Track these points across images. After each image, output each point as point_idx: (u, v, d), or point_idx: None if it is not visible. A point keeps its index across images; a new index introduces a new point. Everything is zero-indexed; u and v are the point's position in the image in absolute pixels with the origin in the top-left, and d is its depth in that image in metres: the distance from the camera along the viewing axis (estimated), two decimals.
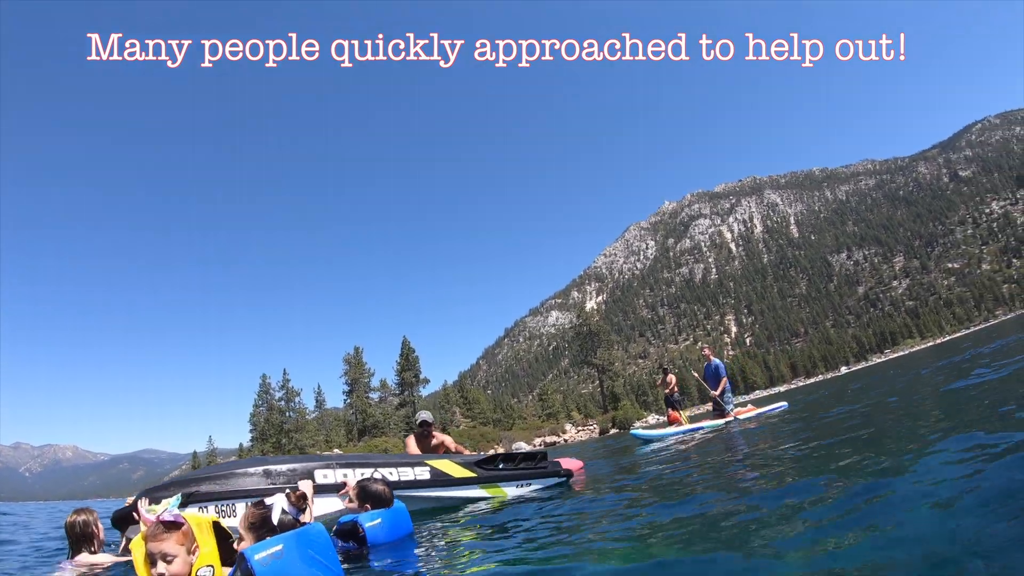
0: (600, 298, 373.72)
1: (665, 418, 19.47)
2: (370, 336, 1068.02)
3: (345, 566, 4.07)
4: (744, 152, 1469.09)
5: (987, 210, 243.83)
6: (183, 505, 4.97)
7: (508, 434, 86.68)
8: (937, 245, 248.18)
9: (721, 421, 15.77)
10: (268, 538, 2.77)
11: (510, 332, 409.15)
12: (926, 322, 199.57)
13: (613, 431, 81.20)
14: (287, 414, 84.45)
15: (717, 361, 17.03)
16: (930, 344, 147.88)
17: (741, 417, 16.08)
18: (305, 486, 5.19)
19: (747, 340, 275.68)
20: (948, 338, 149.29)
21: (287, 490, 4.38)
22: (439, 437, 8.99)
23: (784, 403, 18.72)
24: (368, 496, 4.99)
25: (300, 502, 3.78)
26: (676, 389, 19.83)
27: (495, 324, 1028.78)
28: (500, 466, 7.85)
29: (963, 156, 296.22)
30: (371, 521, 4.59)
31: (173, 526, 2.72)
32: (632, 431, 16.14)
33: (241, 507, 5.54)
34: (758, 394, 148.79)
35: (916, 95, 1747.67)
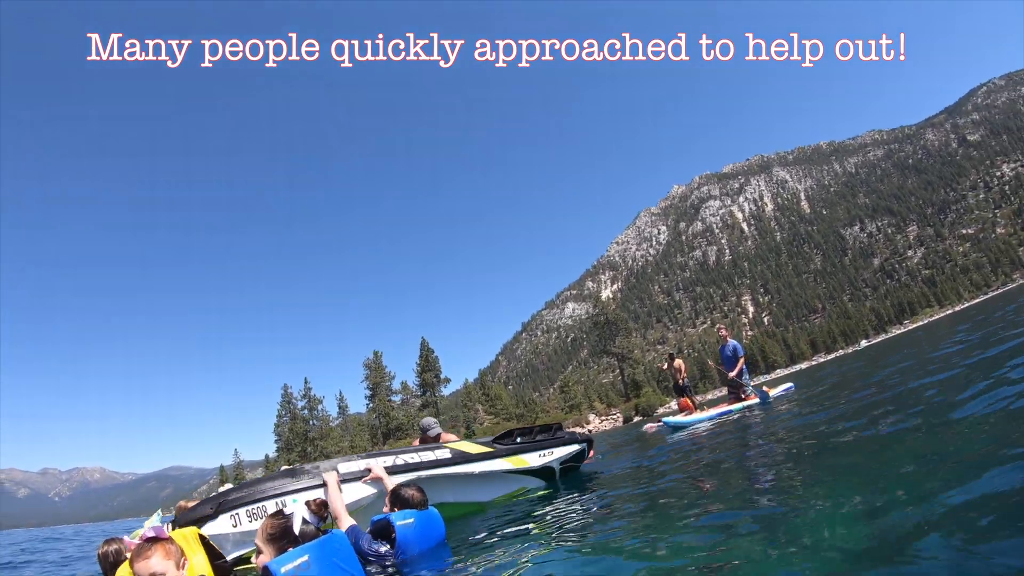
0: (615, 286, 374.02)
1: (675, 405, 19.68)
2: (389, 340, 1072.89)
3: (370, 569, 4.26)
4: (750, 131, 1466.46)
5: (998, 173, 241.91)
6: (211, 516, 5.48)
7: None
8: (950, 212, 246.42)
9: (745, 403, 15.22)
10: (290, 549, 2.72)
11: (527, 326, 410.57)
12: (944, 290, 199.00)
13: (636, 419, 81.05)
14: (311, 422, 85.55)
15: (734, 342, 16.58)
16: (948, 312, 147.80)
17: (746, 404, 15.36)
18: (329, 478, 5.76)
19: (765, 319, 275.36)
20: (966, 305, 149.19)
21: (307, 499, 4.49)
22: (446, 437, 8.72)
23: (791, 384, 18.55)
24: (398, 500, 5.06)
25: (321, 510, 3.73)
26: (685, 375, 19.28)
27: (512, 319, 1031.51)
28: (518, 440, 7.99)
29: (970, 120, 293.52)
30: (403, 520, 4.66)
31: (156, 541, 2.62)
32: (665, 420, 15.44)
33: (272, 508, 5.59)
34: (779, 373, 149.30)
35: (919, 62, 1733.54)
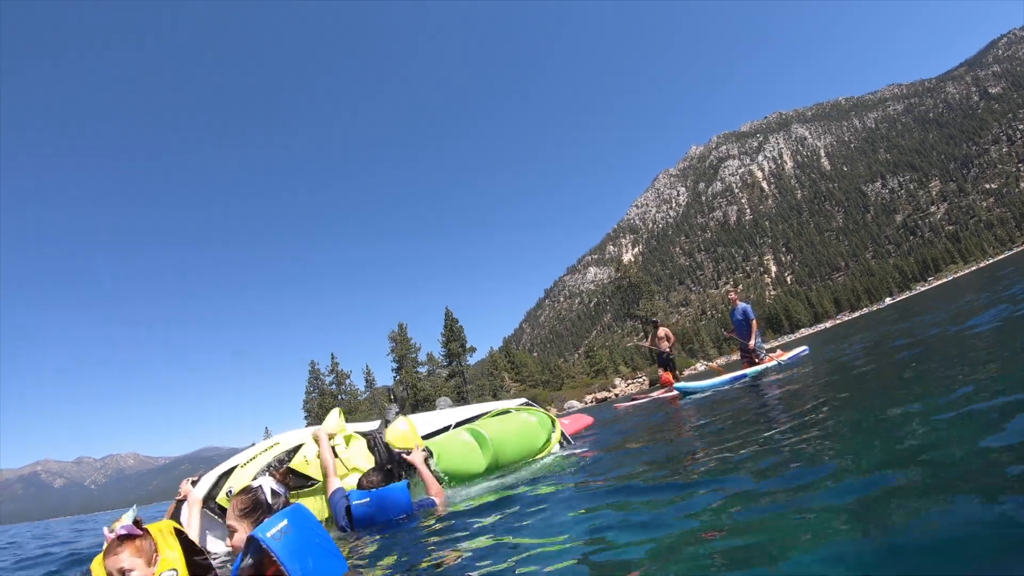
0: (636, 250, 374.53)
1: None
2: (413, 312, 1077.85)
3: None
4: (766, 87, 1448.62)
5: (1021, 126, 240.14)
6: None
7: (558, 394, 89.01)
8: (972, 166, 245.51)
9: (760, 367, 14.14)
10: (266, 520, 2.53)
11: (550, 292, 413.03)
12: (968, 246, 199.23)
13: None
14: (339, 397, 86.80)
15: (744, 305, 15.34)
16: (973, 268, 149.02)
17: (770, 364, 14.41)
18: (321, 433, 5.71)
19: (788, 279, 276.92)
20: (992, 260, 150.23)
21: (270, 469, 4.59)
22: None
23: (805, 347, 17.55)
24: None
25: (286, 478, 3.64)
26: (670, 345, 18.02)
27: (535, 286, 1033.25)
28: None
29: (991, 72, 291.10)
30: (359, 500, 4.84)
31: (126, 539, 2.55)
32: (676, 385, 14.20)
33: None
34: (803, 332, 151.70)
35: (937, 13, 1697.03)
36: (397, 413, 6.62)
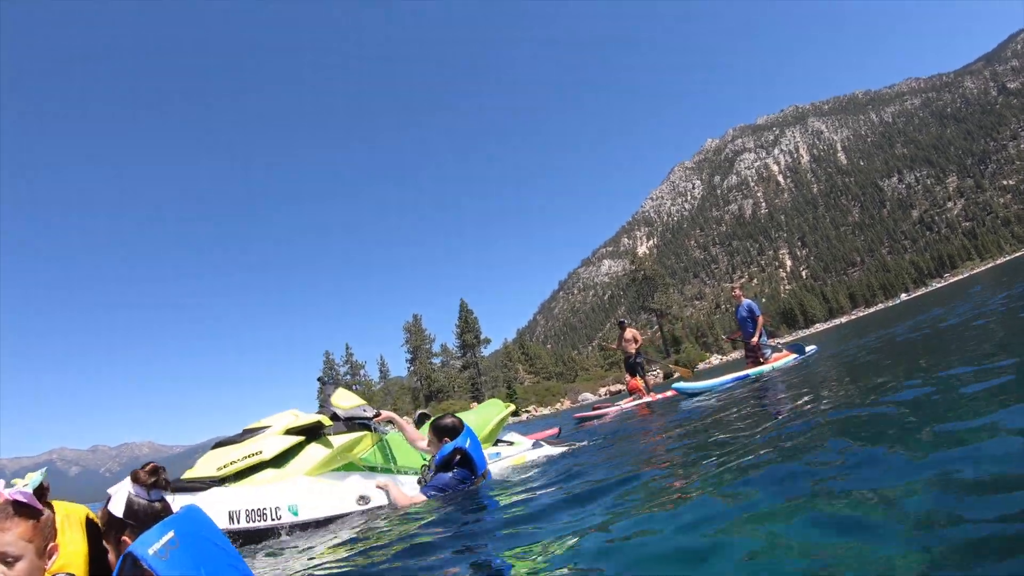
0: (651, 242, 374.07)
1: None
2: (427, 303, 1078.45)
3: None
4: (783, 80, 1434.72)
5: None
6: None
7: (572, 386, 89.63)
8: (990, 162, 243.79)
9: (764, 367, 13.47)
10: (144, 532, 1.95)
11: (564, 285, 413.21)
12: (985, 243, 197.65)
13: (677, 374, 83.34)
14: (353, 387, 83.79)
15: (748, 301, 14.56)
16: (990, 265, 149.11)
17: (776, 364, 13.65)
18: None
19: (803, 273, 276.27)
20: (1008, 258, 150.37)
21: (135, 471, 3.04)
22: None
23: (814, 347, 16.36)
24: (445, 431, 5.28)
25: (153, 477, 2.63)
26: (637, 348, 16.78)
27: (549, 278, 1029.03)
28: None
29: (1010, 67, 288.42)
30: (466, 442, 5.09)
31: (21, 510, 1.91)
32: (674, 385, 13.60)
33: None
34: (818, 327, 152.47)
35: (956, 7, 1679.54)
36: (333, 386, 6.88)
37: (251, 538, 4.90)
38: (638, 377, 16.66)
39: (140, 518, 2.35)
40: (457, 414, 5.96)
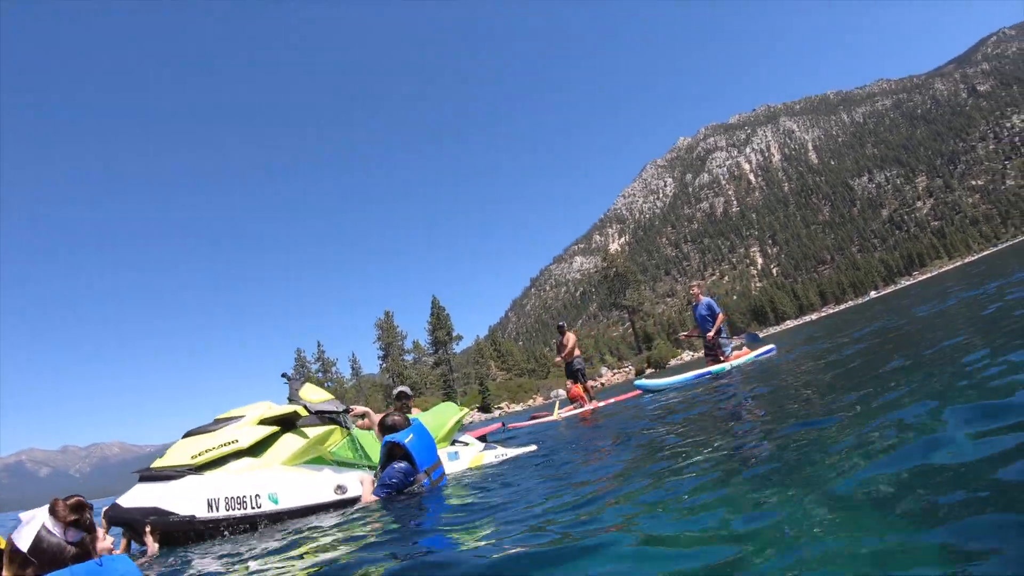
0: (623, 240, 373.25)
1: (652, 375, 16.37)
2: (399, 299, 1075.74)
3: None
4: (755, 80, 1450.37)
5: (1008, 124, 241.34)
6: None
7: (544, 383, 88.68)
8: (959, 163, 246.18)
9: (724, 366, 13.45)
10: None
11: (536, 282, 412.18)
12: (953, 241, 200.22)
13: (649, 371, 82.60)
14: (325, 384, 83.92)
15: (708, 299, 14.53)
16: (959, 263, 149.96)
17: (736, 363, 13.64)
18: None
19: (774, 271, 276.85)
20: (976, 256, 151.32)
21: (56, 501, 2.67)
22: (416, 412, 8.57)
23: (772, 346, 15.96)
24: (386, 428, 5.51)
25: (73, 514, 2.38)
26: (576, 353, 16.00)
27: (520, 275, 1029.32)
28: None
29: (980, 70, 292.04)
30: (406, 437, 5.26)
31: None
32: (636, 383, 14.15)
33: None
34: (788, 324, 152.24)
35: (928, 10, 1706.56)
36: (300, 381, 6.79)
37: (230, 529, 5.07)
38: (579, 383, 15.92)
39: (46, 559, 2.09)
40: (413, 415, 6.90)
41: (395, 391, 8.88)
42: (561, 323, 16.91)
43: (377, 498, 5.26)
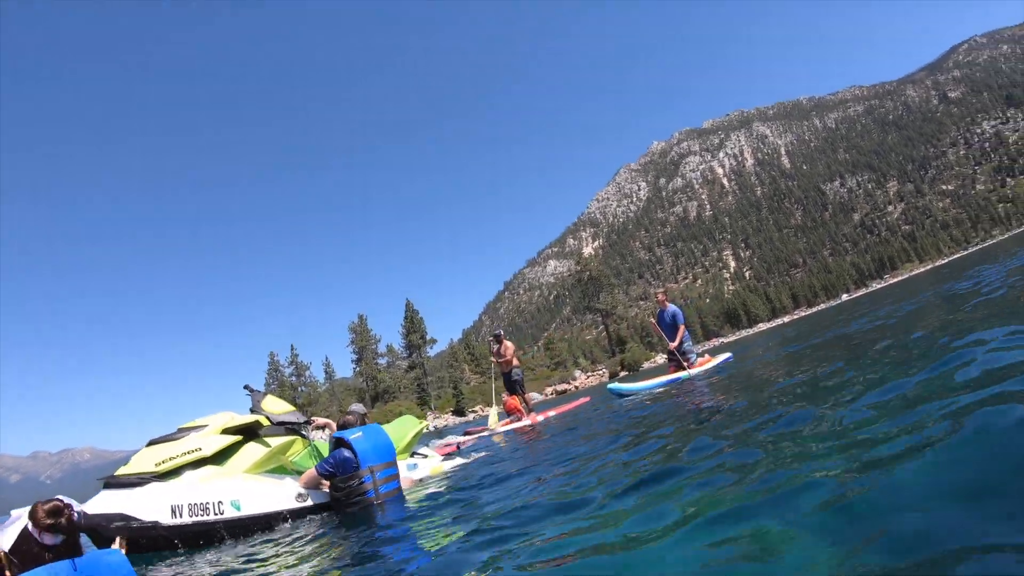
0: (596, 243, 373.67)
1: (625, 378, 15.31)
2: (373, 303, 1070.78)
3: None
4: (729, 85, 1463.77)
5: (978, 130, 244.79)
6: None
7: None
8: (930, 168, 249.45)
9: (688, 373, 13.42)
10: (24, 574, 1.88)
11: (509, 285, 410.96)
12: (924, 245, 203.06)
13: (623, 373, 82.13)
14: (299, 389, 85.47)
15: (673, 307, 14.47)
16: (929, 267, 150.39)
17: (696, 371, 13.63)
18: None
19: (746, 274, 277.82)
20: (947, 260, 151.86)
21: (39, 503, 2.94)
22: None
23: (729, 355, 16.04)
24: (341, 428, 6.05)
25: (50, 518, 2.47)
26: (514, 363, 15.26)
27: (494, 279, 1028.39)
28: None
29: (951, 77, 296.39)
30: (353, 435, 5.67)
31: None
32: (609, 386, 13.84)
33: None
34: (761, 327, 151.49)
35: (900, 18, 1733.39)
36: (262, 393, 6.88)
37: (194, 535, 5.27)
38: (517, 395, 15.03)
39: (25, 560, 2.12)
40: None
41: (349, 411, 8.10)
42: (498, 331, 16.29)
43: (317, 472, 5.78)
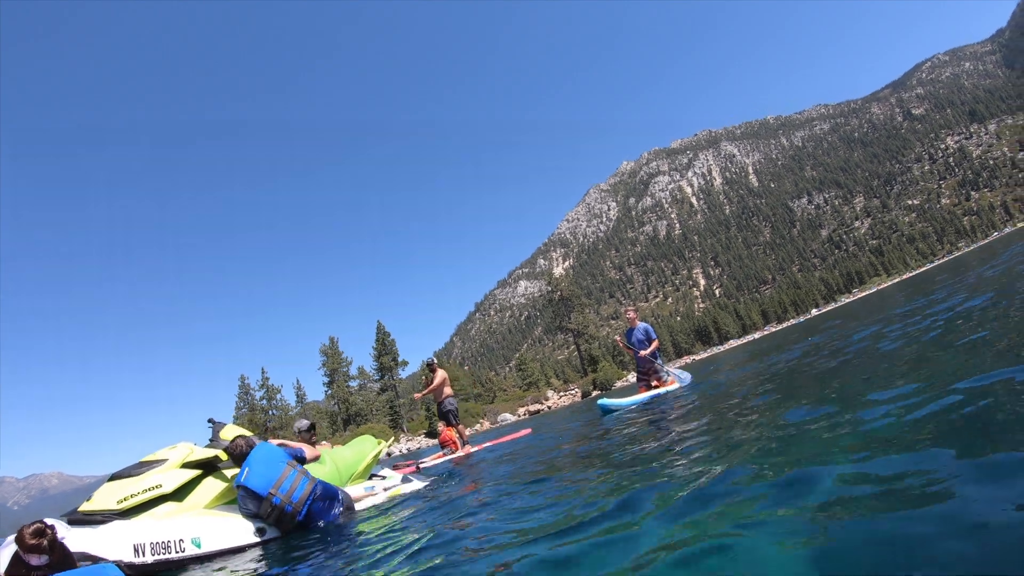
0: (567, 263, 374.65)
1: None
2: (344, 325, 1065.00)
3: None
4: (697, 106, 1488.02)
5: (942, 146, 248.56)
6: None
7: (491, 407, 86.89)
8: (896, 183, 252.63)
9: (661, 390, 13.00)
10: None
11: (480, 306, 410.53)
12: (891, 259, 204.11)
13: (595, 392, 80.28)
14: (270, 412, 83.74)
15: (644, 324, 13.92)
16: (896, 280, 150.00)
17: (672, 387, 13.19)
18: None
19: (716, 291, 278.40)
20: (913, 273, 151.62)
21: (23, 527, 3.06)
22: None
23: (688, 375, 14.93)
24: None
25: (33, 538, 2.45)
26: (447, 393, 14.29)
27: (465, 300, 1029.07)
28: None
29: (915, 94, 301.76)
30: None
31: None
32: (598, 402, 13.18)
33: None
34: (732, 344, 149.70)
35: (864, 37, 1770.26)
36: (222, 425, 6.82)
37: (157, 573, 5.28)
38: (451, 426, 14.36)
39: None
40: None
41: (296, 426, 8.38)
42: (431, 359, 14.95)
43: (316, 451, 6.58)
